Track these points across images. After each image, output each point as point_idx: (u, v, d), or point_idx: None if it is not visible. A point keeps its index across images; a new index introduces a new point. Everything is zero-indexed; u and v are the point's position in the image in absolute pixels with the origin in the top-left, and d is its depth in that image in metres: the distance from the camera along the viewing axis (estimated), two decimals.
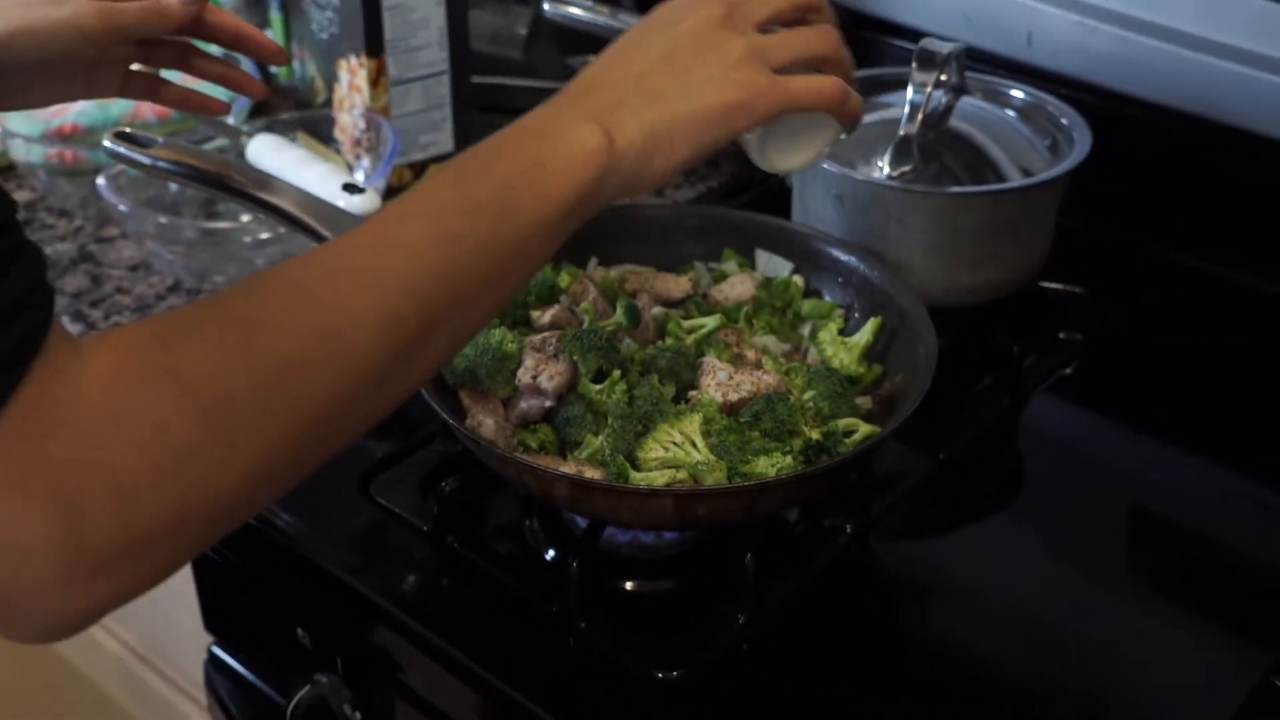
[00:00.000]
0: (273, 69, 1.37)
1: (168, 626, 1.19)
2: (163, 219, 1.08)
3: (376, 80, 1.19)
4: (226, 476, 0.55)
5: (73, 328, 1.08)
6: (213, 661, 1.01)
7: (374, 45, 1.18)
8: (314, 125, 1.20)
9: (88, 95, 0.92)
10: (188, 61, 0.94)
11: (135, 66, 0.93)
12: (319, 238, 0.93)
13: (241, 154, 1.11)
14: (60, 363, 0.51)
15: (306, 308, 0.60)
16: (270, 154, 1.09)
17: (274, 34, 1.36)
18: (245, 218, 1.12)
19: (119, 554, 0.52)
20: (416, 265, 0.64)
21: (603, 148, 0.69)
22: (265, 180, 0.94)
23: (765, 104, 0.73)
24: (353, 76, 1.21)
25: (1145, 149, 1.15)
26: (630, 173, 0.71)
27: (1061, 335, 1.07)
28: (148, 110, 1.25)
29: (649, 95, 0.72)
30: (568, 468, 0.82)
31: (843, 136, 0.82)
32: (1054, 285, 1.08)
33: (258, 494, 0.58)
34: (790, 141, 0.80)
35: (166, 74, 0.95)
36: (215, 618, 0.99)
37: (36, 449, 0.50)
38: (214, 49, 0.95)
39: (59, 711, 1.48)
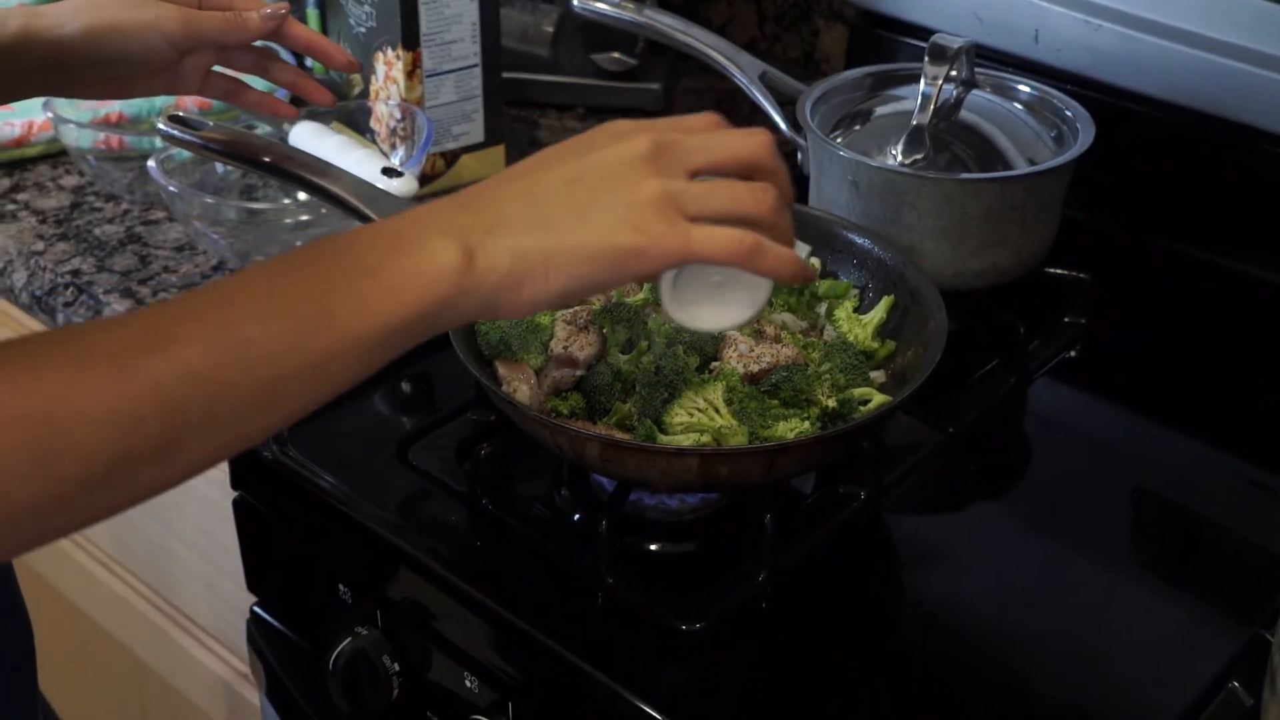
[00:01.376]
0: (308, 62, 1.43)
1: (208, 595, 1.24)
2: (208, 199, 1.13)
3: (412, 72, 1.25)
4: None
5: (121, 304, 1.13)
6: (255, 621, 1.05)
7: (410, 38, 1.23)
8: (350, 116, 1.25)
9: (170, 92, 0.98)
10: (264, 67, 1.00)
11: (216, 68, 0.99)
12: (362, 217, 0.98)
13: (284, 140, 1.16)
14: None
15: (29, 390, 0.54)
16: (312, 140, 1.14)
17: (312, 25, 1.41)
18: (286, 200, 1.17)
19: None
20: (177, 366, 0.56)
21: (455, 269, 0.63)
22: (311, 162, 0.99)
23: (659, 253, 0.66)
24: (389, 69, 1.26)
25: (1147, 142, 1.19)
26: (487, 298, 0.64)
27: (1066, 319, 1.12)
28: (190, 101, 1.31)
29: (534, 221, 0.65)
30: (599, 431, 0.87)
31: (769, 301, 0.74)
32: (1059, 271, 1.12)
33: None
34: (707, 296, 0.73)
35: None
36: (258, 578, 1.04)
37: None
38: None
39: (96, 682, 1.53)
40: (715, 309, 0.73)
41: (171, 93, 0.98)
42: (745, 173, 0.70)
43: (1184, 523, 0.98)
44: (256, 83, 1.07)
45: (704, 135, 0.70)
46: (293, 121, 1.20)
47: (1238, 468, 1.01)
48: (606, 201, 0.66)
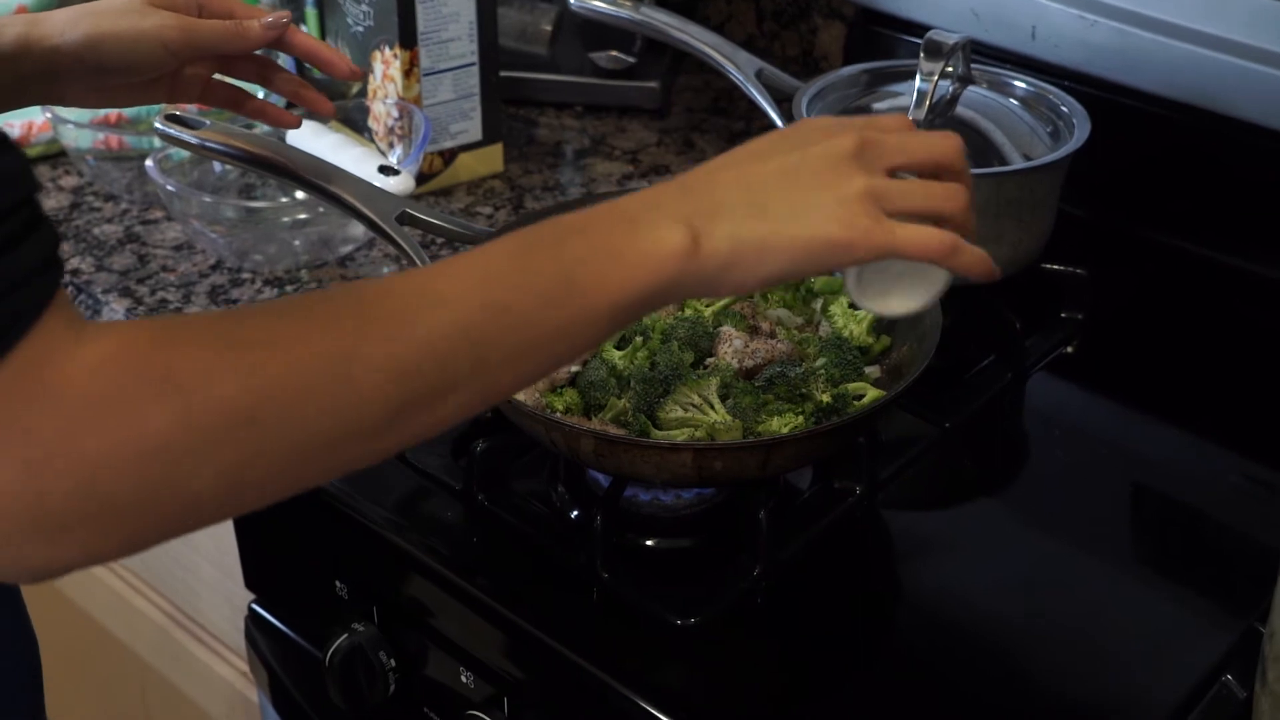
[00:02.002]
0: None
1: (207, 592, 1.24)
2: (206, 198, 1.13)
3: (409, 71, 1.25)
4: (197, 477, 0.55)
5: (120, 304, 1.13)
6: (254, 619, 1.06)
7: (408, 37, 1.24)
8: (348, 115, 1.26)
9: (170, 99, 0.98)
10: (266, 77, 1.00)
11: (217, 76, 0.99)
12: (359, 215, 0.99)
13: (283, 139, 1.17)
14: (56, 338, 0.53)
15: (321, 338, 0.59)
16: (309, 138, 1.15)
17: (309, 29, 1.41)
18: (285, 199, 1.18)
19: (78, 521, 0.53)
20: (447, 324, 0.62)
21: (684, 252, 0.67)
22: (308, 160, 1.00)
23: (865, 247, 0.70)
24: (386, 67, 1.26)
25: (1144, 137, 1.19)
26: (707, 280, 0.69)
27: (1063, 314, 1.12)
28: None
29: (752, 207, 0.69)
30: (593, 426, 0.87)
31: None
32: (1056, 266, 1.12)
33: (230, 500, 0.58)
34: (892, 284, 0.76)
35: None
36: (256, 576, 1.05)
37: (15, 411, 0.52)
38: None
39: (98, 681, 1.53)
40: (899, 296, 0.77)
41: (172, 101, 0.98)
42: (937, 172, 0.74)
43: (1180, 517, 0.98)
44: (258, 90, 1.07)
45: (901, 135, 0.74)
46: None
47: (1233, 462, 1.01)
48: (818, 196, 0.70)
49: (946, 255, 0.71)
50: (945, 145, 0.74)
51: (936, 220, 0.72)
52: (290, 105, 1.13)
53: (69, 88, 0.95)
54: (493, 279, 0.65)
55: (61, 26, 0.92)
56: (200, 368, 0.55)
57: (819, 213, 0.69)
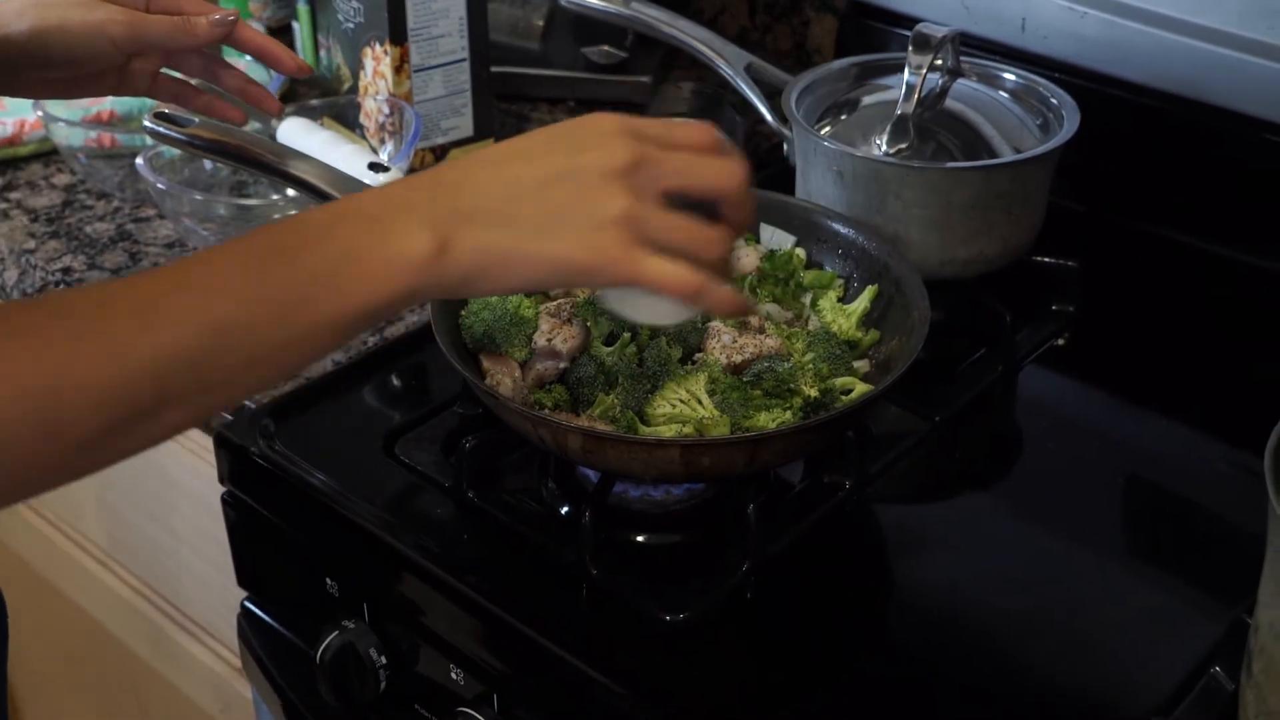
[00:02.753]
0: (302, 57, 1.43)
1: (200, 590, 1.24)
2: (198, 196, 1.13)
3: (400, 67, 1.25)
4: None
5: None
6: (246, 616, 1.06)
7: (398, 33, 1.24)
8: (340, 111, 1.26)
9: (117, 93, 0.98)
10: (212, 72, 1.00)
11: (164, 70, 0.99)
12: None
13: (273, 136, 1.17)
14: None
15: (34, 365, 0.58)
16: (300, 136, 1.15)
17: (301, 25, 1.42)
18: (276, 196, 1.18)
19: None
20: (168, 345, 0.61)
21: (428, 261, 0.66)
22: (296, 157, 1.00)
23: (609, 275, 0.69)
24: (377, 64, 1.26)
25: (1134, 129, 1.19)
26: (449, 289, 0.68)
27: (1054, 307, 1.12)
28: None
29: (504, 218, 0.67)
30: (581, 423, 0.87)
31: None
32: (1047, 259, 1.12)
33: None
34: (640, 298, 0.75)
35: None
36: (248, 573, 1.05)
37: None
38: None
39: (94, 677, 1.53)
40: (646, 311, 0.76)
41: (119, 94, 0.98)
42: (713, 199, 0.72)
43: (1170, 508, 0.98)
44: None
45: (686, 157, 0.71)
46: (281, 117, 1.20)
47: (1224, 452, 1.01)
48: (574, 214, 0.68)
49: (691, 296, 0.70)
50: (729, 175, 0.71)
51: (695, 262, 0.70)
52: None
53: (14, 79, 0.95)
54: (223, 293, 0.63)
55: (8, 18, 0.92)
56: None
57: (570, 233, 0.68)
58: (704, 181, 0.71)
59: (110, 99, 1.28)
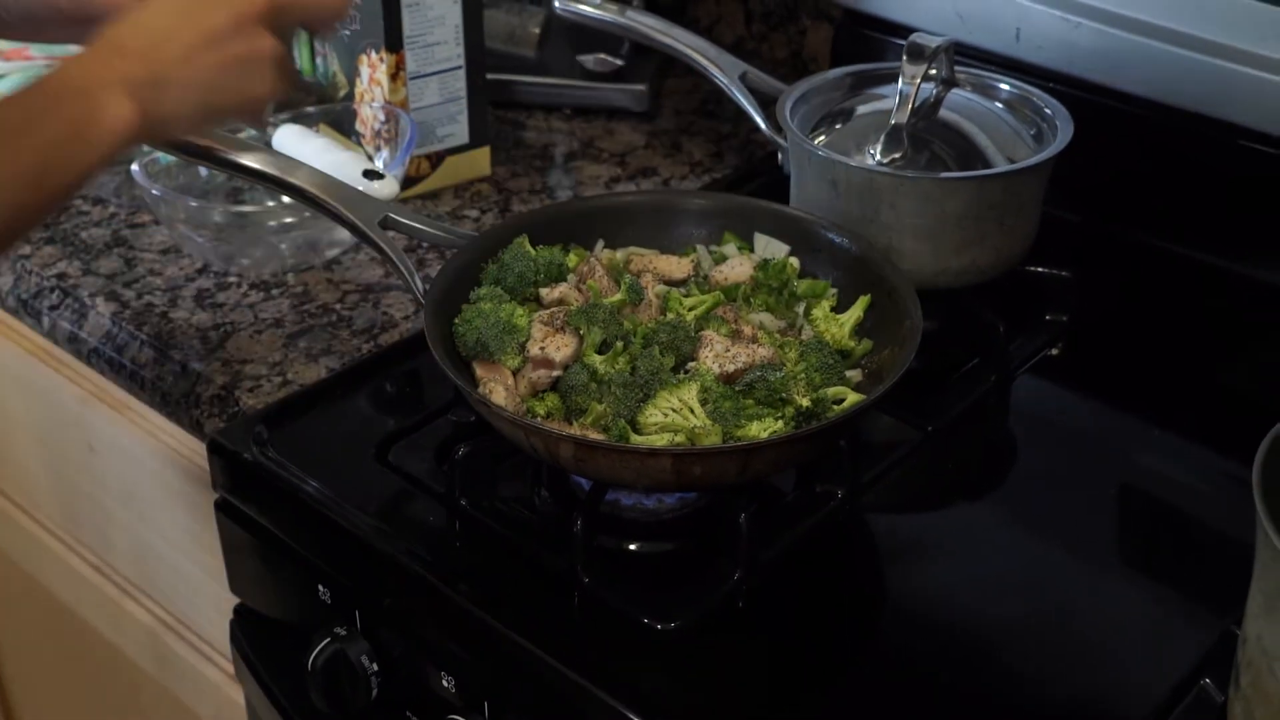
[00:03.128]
0: (297, 63, 1.44)
1: (194, 595, 1.24)
2: (193, 203, 1.14)
3: (395, 75, 1.25)
4: None
5: (106, 307, 1.13)
6: (238, 622, 1.06)
7: (394, 40, 1.24)
8: (336, 119, 1.26)
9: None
10: None
11: None
12: (340, 218, 0.99)
13: (268, 143, 1.17)
14: None
15: None
16: (295, 143, 1.15)
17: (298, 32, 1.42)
18: (271, 203, 1.18)
19: None
20: None
21: (134, 124, 0.80)
22: (290, 164, 1.00)
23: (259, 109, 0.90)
24: (373, 71, 1.27)
25: (1127, 139, 1.20)
26: (154, 140, 0.92)
27: (1048, 317, 1.12)
28: None
29: (188, 85, 0.83)
30: (573, 431, 0.88)
31: None
32: (1040, 269, 1.13)
33: None
34: None
35: None
36: (240, 579, 1.05)
37: None
38: None
39: (90, 684, 1.53)
40: None
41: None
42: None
43: (1163, 517, 0.98)
44: None
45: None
46: (276, 123, 1.20)
47: (1217, 463, 1.02)
48: (240, 70, 0.86)
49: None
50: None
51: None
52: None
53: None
54: None
55: None
56: None
57: (233, 88, 0.85)
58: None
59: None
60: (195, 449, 1.10)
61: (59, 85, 0.80)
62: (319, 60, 1.39)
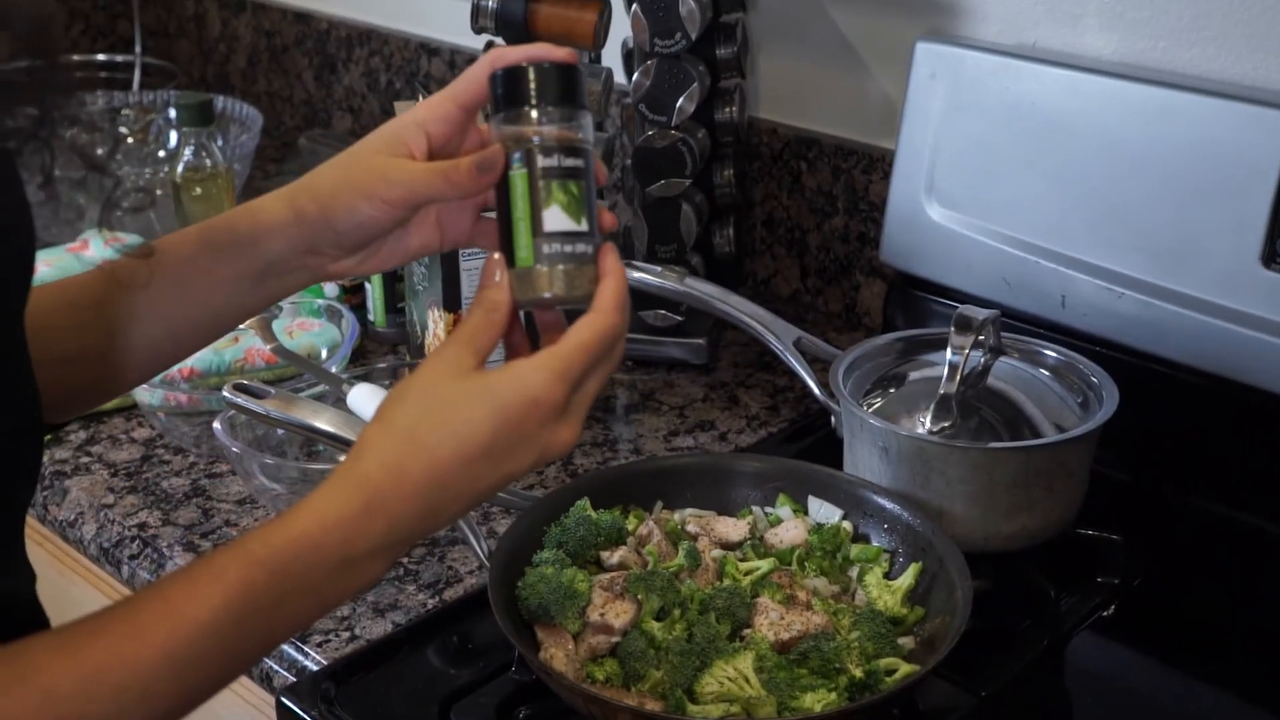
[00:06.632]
0: (370, 317, 1.51)
1: None
2: (269, 459, 1.19)
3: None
4: None
5: (184, 558, 1.18)
6: None
7: (452, 301, 1.30)
8: (405, 373, 1.32)
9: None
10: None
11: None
12: None
13: (342, 400, 1.22)
14: None
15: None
16: (368, 402, 1.20)
17: (374, 285, 1.50)
18: (343, 457, 1.22)
19: None
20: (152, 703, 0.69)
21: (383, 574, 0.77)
22: (359, 426, 1.05)
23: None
24: (437, 326, 1.33)
25: (1174, 404, 1.23)
26: None
27: (1099, 579, 1.14)
28: (256, 356, 1.38)
29: (458, 516, 0.78)
30: (630, 699, 0.90)
31: None
32: (1090, 532, 1.15)
33: None
34: None
35: None
36: None
37: None
38: None
39: None
40: None
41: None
42: None
43: None
44: None
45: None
46: (352, 382, 1.26)
47: None
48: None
49: None
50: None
51: None
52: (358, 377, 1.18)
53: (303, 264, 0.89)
54: (204, 662, 0.71)
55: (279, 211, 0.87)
56: None
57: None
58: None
59: (191, 358, 1.34)
60: (264, 699, 1.13)
61: (339, 542, 0.74)
62: (404, 306, 1.45)
